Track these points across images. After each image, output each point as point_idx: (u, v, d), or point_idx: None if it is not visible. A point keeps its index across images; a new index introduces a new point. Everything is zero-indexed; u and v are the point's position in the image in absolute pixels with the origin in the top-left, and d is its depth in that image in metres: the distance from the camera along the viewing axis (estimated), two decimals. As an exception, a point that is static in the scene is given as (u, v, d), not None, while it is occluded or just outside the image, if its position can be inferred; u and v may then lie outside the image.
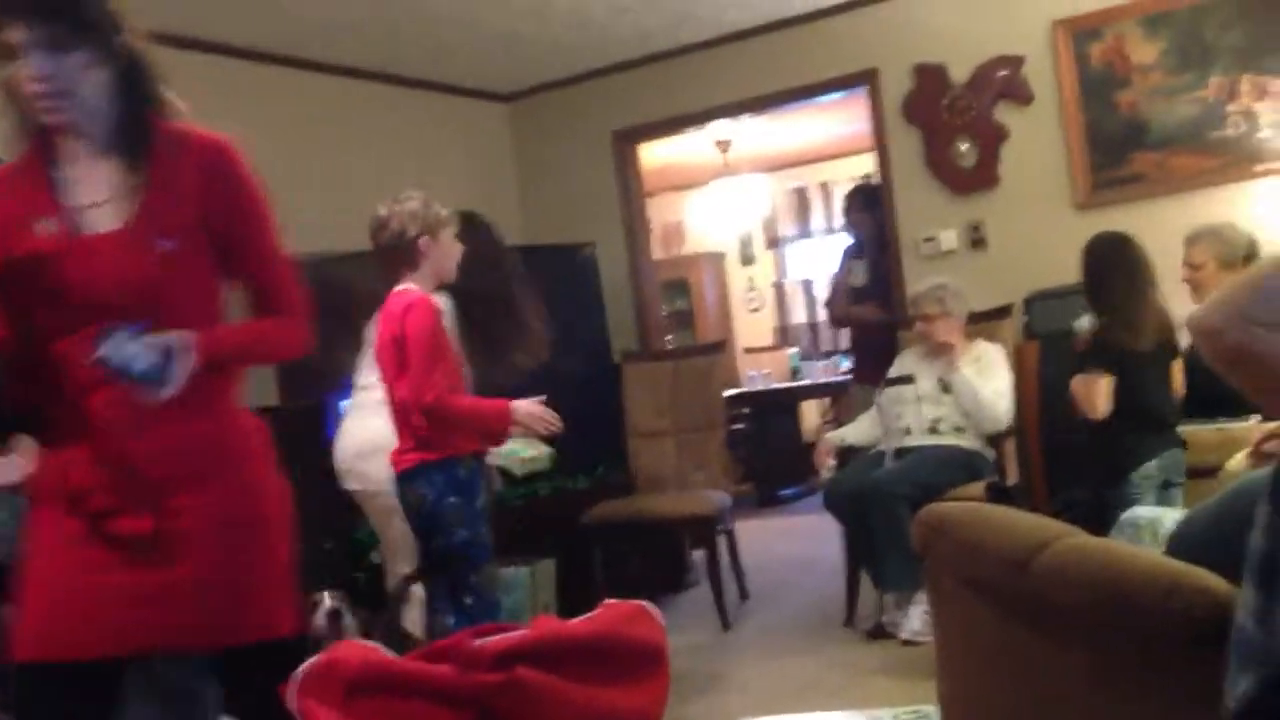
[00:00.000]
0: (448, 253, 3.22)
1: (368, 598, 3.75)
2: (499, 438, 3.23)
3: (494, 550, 3.19)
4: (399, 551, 3.52)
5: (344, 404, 3.84)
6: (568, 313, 5.59)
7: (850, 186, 6.39)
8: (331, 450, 3.68)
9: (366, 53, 5.31)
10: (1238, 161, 4.78)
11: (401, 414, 3.09)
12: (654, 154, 7.17)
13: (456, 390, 3.13)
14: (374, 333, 3.24)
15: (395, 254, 3.14)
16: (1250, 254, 3.86)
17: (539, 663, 1.93)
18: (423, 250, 3.13)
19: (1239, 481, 2.03)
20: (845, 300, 5.72)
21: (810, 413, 8.80)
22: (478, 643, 1.97)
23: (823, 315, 9.60)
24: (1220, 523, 1.84)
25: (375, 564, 3.95)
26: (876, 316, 5.48)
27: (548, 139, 6.31)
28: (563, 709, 1.98)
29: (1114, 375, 3.70)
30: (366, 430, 3.49)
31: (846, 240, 6.05)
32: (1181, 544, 1.86)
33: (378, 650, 1.98)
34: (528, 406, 3.11)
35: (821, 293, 9.61)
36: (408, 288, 3.13)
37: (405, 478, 3.13)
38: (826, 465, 4.52)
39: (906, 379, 4.45)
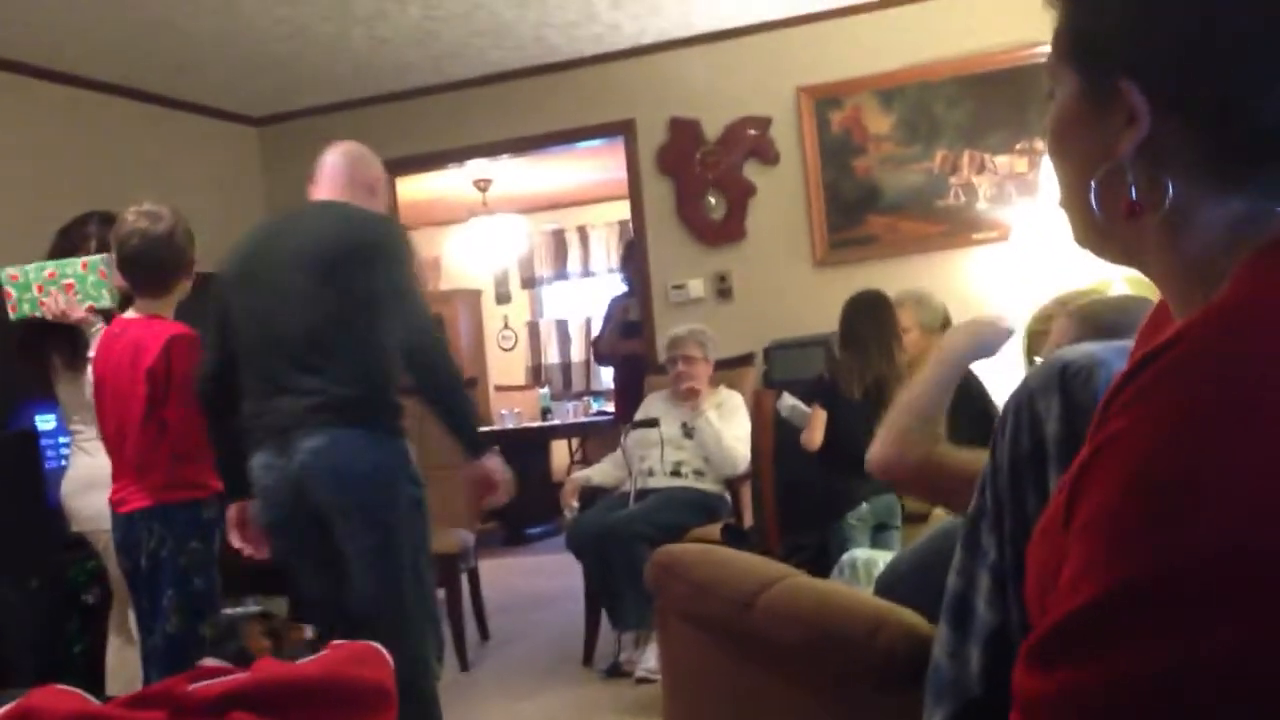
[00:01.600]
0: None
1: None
2: None
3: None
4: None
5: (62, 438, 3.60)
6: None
7: (612, 233, 6.59)
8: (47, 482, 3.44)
9: (106, 64, 5.02)
10: (958, 229, 5.17)
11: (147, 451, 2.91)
12: (413, 188, 7.09)
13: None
14: (94, 361, 3.04)
15: (154, 274, 2.94)
16: (945, 322, 4.16)
17: (259, 708, 1.85)
18: (185, 275, 2.99)
19: (942, 524, 2.19)
20: (616, 335, 6.31)
21: (560, 452, 8.85)
22: (192, 687, 1.87)
23: (576, 356, 9.72)
24: (924, 564, 1.97)
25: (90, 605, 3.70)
26: (642, 349, 5.74)
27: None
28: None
29: (827, 413, 3.94)
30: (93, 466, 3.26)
31: (618, 285, 6.34)
32: (889, 584, 1.98)
33: (80, 696, 1.85)
34: None
35: (576, 333, 9.73)
36: (155, 316, 2.95)
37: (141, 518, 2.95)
38: (571, 505, 4.57)
39: (652, 422, 4.56)
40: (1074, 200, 0.83)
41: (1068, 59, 0.82)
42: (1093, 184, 0.80)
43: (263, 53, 5.10)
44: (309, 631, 2.48)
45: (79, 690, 1.89)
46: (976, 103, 5.12)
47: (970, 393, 3.74)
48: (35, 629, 3.33)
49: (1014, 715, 0.67)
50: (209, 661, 2.28)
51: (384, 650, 2.14)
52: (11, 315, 3.26)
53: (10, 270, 3.18)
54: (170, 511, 2.90)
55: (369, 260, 2.78)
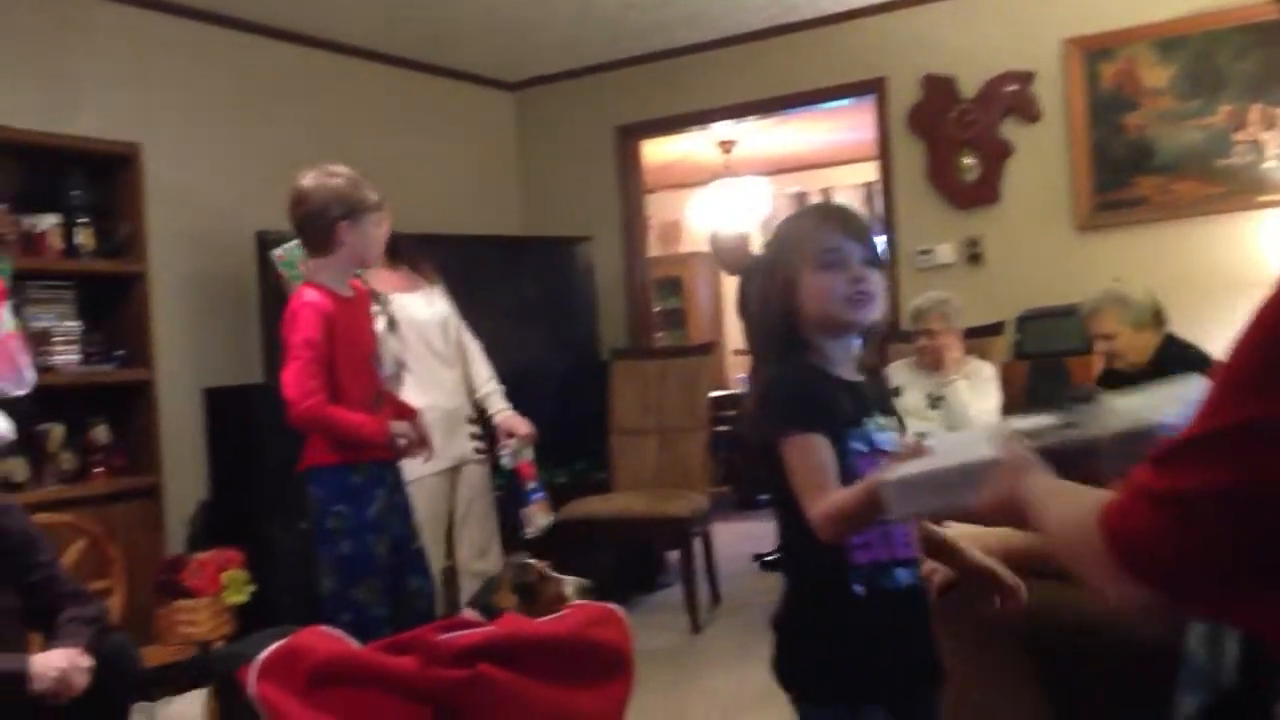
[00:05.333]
0: (369, 239, 2.99)
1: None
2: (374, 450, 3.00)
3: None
4: None
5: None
6: (559, 306, 5.57)
7: (856, 195, 6.38)
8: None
9: (371, 32, 5.26)
10: (1241, 190, 4.75)
11: None
12: (656, 151, 7.12)
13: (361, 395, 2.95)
14: None
15: (311, 234, 2.92)
16: (1158, 310, 3.81)
17: (503, 661, 1.90)
18: (340, 236, 2.92)
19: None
20: None
21: (797, 418, 8.75)
22: (442, 637, 1.93)
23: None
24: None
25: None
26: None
27: (551, 130, 6.26)
28: (523, 708, 1.94)
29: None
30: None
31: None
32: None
33: (341, 639, 1.94)
34: (404, 428, 2.98)
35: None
36: (310, 284, 2.92)
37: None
38: None
39: (894, 391, 4.41)
40: None
41: None
42: None
43: (516, 18, 5.21)
44: (568, 588, 2.44)
45: (340, 633, 2.00)
46: (1267, 52, 4.66)
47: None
48: (302, 571, 3.53)
49: (1124, 494, 0.95)
50: (466, 613, 2.35)
51: (621, 612, 2.15)
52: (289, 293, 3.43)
53: (277, 251, 3.33)
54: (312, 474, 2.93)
55: None
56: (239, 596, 4.08)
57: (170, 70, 4.65)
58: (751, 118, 6.31)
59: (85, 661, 2.46)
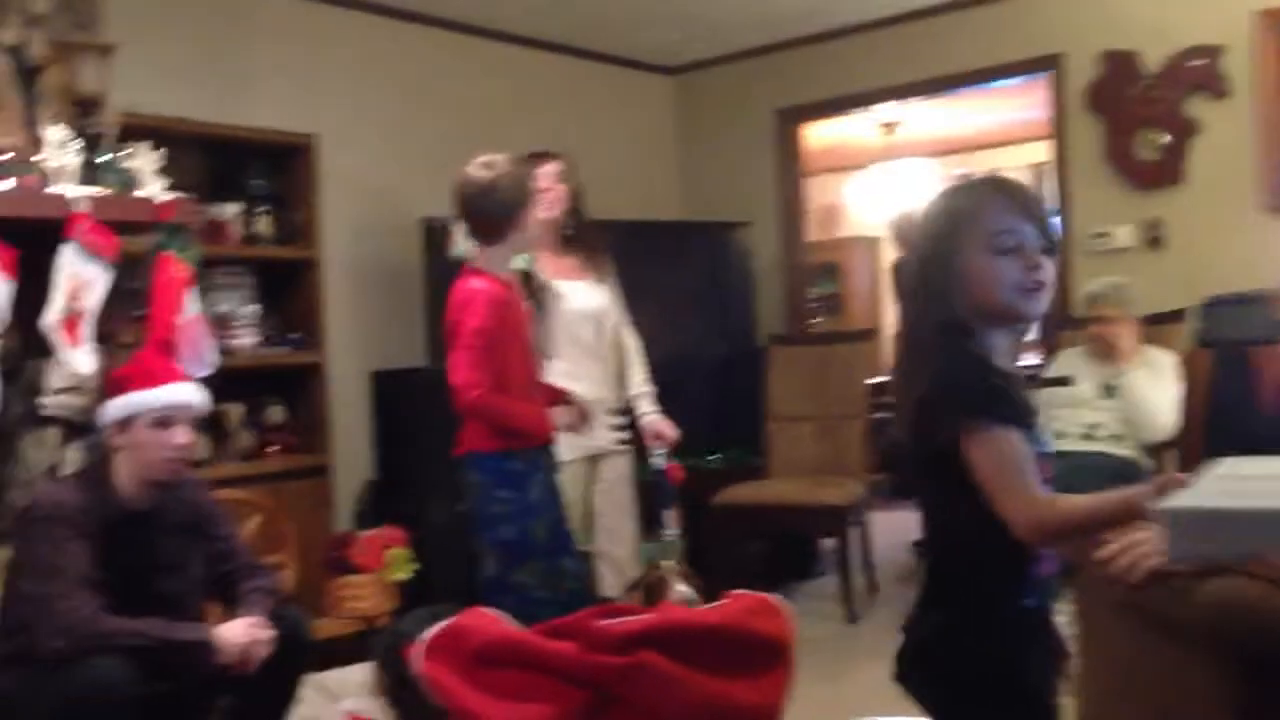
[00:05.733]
0: (534, 225, 3.06)
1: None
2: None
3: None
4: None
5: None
6: (716, 292, 5.55)
7: (1025, 176, 6.14)
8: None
9: (531, 19, 5.32)
10: None
11: None
12: (814, 134, 7.01)
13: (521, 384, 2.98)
14: None
15: (486, 222, 2.95)
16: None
17: (663, 649, 1.89)
18: (514, 224, 2.96)
19: None
20: None
21: (958, 407, 8.51)
22: (603, 623, 1.94)
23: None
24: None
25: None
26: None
27: (710, 115, 6.23)
28: (682, 697, 1.94)
29: None
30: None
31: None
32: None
33: (503, 621, 1.97)
34: (566, 415, 2.99)
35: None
36: (478, 271, 2.94)
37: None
38: None
39: (1065, 380, 4.24)
40: None
41: None
42: None
43: (676, 3, 5.19)
44: (677, 598, 2.40)
45: (502, 615, 2.03)
46: None
47: None
48: (460, 551, 3.60)
49: None
50: (621, 600, 2.35)
51: (780, 603, 2.12)
52: None
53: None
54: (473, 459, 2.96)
55: None
56: (402, 574, 4.21)
57: (342, 62, 4.80)
58: (916, 98, 6.15)
59: (267, 633, 2.56)
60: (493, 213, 2.94)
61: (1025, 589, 1.53)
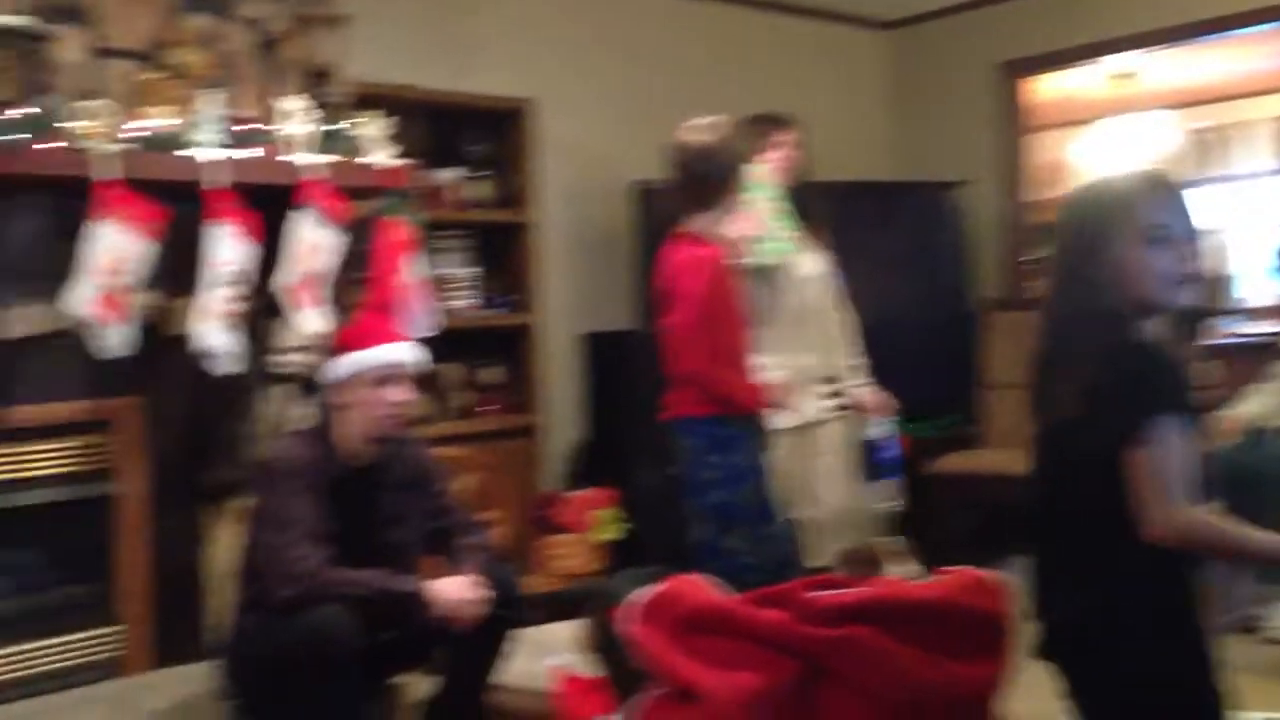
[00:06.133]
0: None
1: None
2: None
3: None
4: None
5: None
6: (928, 254, 5.37)
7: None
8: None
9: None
10: None
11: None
12: (1040, 88, 6.66)
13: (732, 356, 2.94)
14: None
15: (704, 186, 2.92)
16: None
17: (875, 622, 1.84)
18: (733, 188, 2.94)
19: None
20: None
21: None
22: (813, 594, 1.90)
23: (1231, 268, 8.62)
24: None
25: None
26: None
27: (927, 70, 6.01)
28: (895, 673, 1.88)
29: None
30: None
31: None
32: None
33: (712, 587, 1.96)
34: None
35: (1234, 242, 8.63)
36: (694, 235, 2.93)
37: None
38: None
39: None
40: None
41: None
42: None
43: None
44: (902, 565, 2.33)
45: (711, 581, 2.02)
46: None
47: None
48: (668, 514, 3.61)
49: None
50: (834, 572, 2.31)
51: (1000, 580, 2.03)
52: None
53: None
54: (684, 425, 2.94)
55: None
56: (609, 534, 4.27)
57: (559, 27, 4.85)
58: (1152, 47, 5.76)
59: (482, 591, 2.63)
60: (708, 176, 2.91)
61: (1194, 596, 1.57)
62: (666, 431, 2.98)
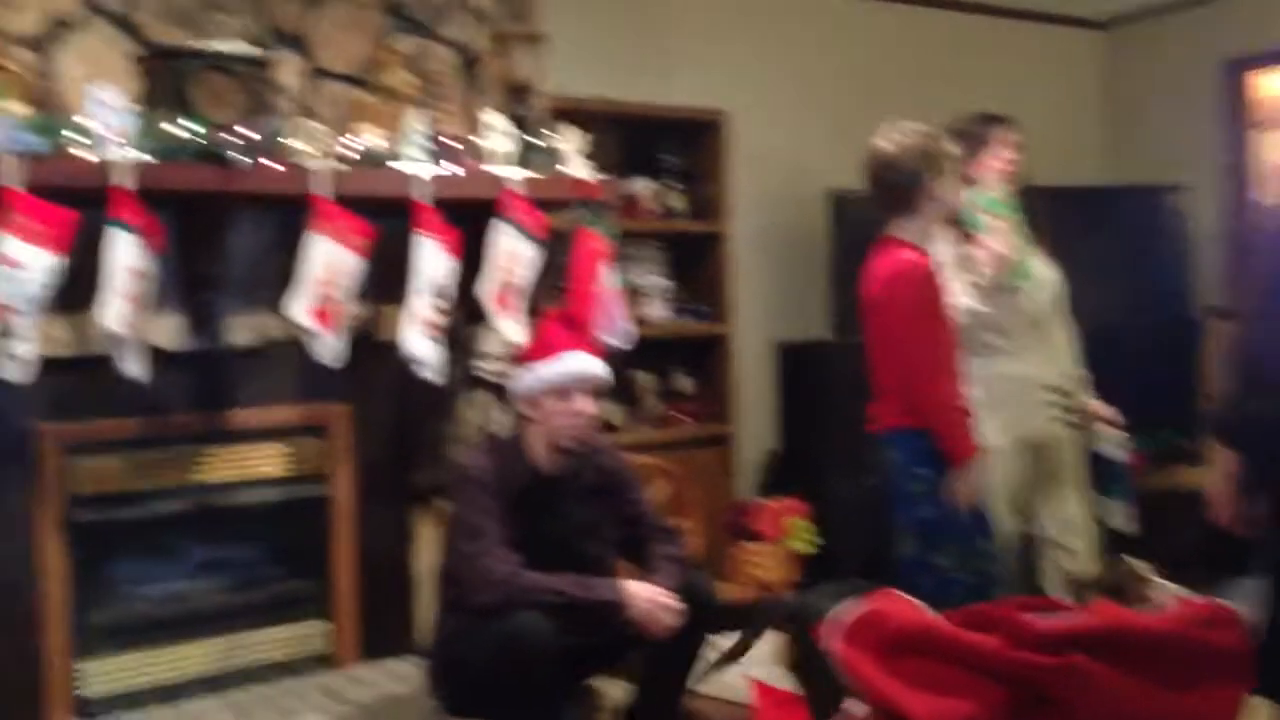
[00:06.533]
0: (952, 194, 2.92)
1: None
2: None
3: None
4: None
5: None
6: (1145, 260, 5.10)
7: None
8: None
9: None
10: None
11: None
12: (1266, 84, 6.24)
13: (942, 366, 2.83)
14: None
15: (894, 194, 2.86)
16: None
17: (1100, 652, 1.73)
18: (928, 192, 2.84)
19: None
20: None
21: None
22: (1030, 618, 1.80)
23: None
24: None
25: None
26: None
27: (1144, 69, 5.70)
28: (1117, 705, 1.77)
29: None
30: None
31: None
32: None
33: (920, 607, 1.89)
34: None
35: None
36: (902, 243, 2.86)
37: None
38: None
39: None
40: None
41: None
42: None
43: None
44: (1163, 596, 2.17)
45: (917, 601, 1.94)
46: None
47: None
48: (865, 527, 3.52)
49: None
50: (1052, 595, 2.20)
51: (1236, 613, 1.89)
52: None
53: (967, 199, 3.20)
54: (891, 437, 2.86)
55: None
56: (803, 545, 4.21)
57: (753, 37, 4.82)
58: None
59: (674, 603, 2.62)
60: (897, 183, 2.86)
61: None
62: (872, 443, 2.91)
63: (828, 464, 4.45)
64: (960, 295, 3.12)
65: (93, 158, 2.62)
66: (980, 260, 3.15)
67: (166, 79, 2.84)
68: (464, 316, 3.29)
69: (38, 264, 2.52)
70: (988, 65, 5.43)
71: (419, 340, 3.08)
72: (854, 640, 1.86)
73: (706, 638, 2.75)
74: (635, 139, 4.53)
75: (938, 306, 2.81)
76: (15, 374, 2.55)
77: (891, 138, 2.87)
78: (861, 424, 2.95)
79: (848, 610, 1.88)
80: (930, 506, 2.78)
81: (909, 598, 1.99)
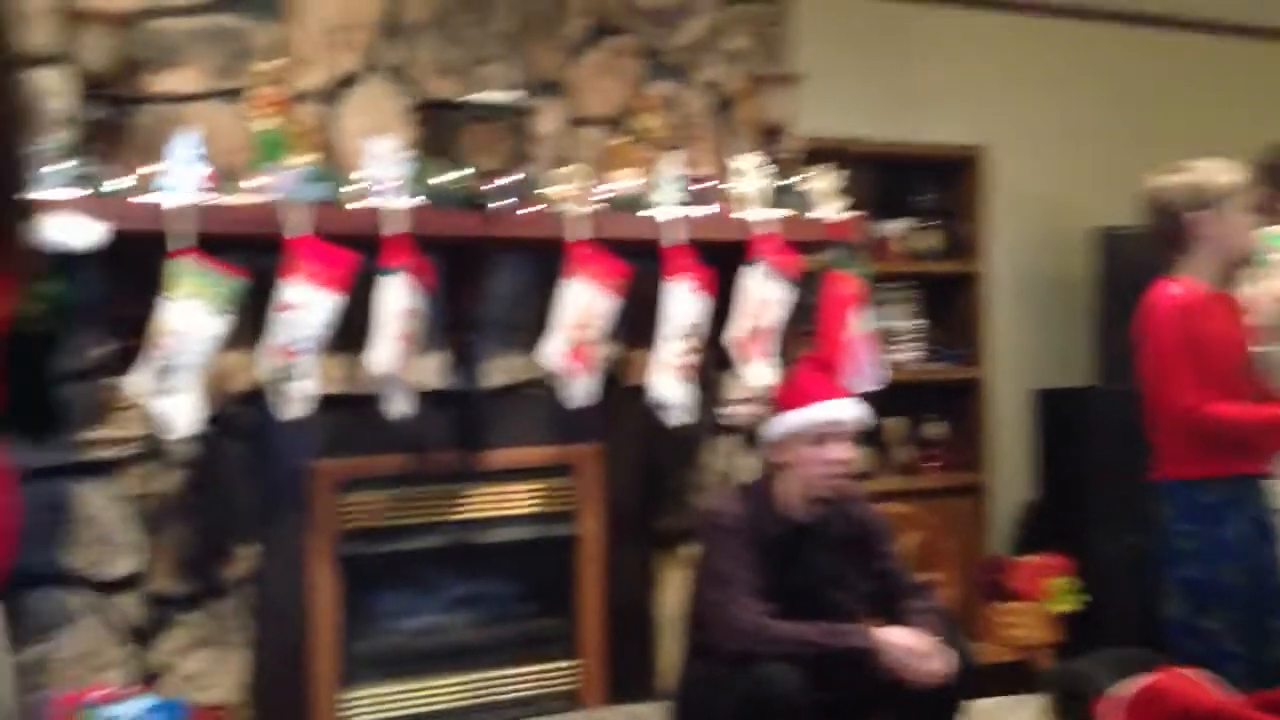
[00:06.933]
0: (1232, 229, 2.70)
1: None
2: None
3: None
4: None
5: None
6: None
7: None
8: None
9: (1229, 4, 4.75)
10: None
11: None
12: None
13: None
14: None
15: (1166, 234, 2.72)
16: None
17: None
18: (1190, 229, 2.67)
19: None
20: None
21: None
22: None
23: None
24: None
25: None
26: None
27: None
28: None
29: None
30: None
31: None
32: None
33: (1205, 686, 1.72)
34: None
35: None
36: (1173, 280, 2.71)
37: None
38: None
39: None
40: None
41: None
42: None
43: None
44: None
45: (1206, 677, 1.77)
46: None
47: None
48: (1133, 587, 3.27)
49: None
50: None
51: None
52: None
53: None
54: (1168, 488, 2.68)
55: None
56: (1066, 606, 3.95)
57: (1012, 72, 4.63)
58: None
59: (936, 649, 2.51)
60: (1163, 221, 2.73)
61: None
62: (1146, 494, 2.73)
63: (1092, 518, 4.19)
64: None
65: (370, 205, 2.77)
66: (1258, 300, 2.92)
67: (437, 129, 2.99)
68: (714, 360, 3.28)
69: (320, 304, 2.68)
70: (1271, 93, 5.03)
71: (668, 385, 3.09)
72: (1134, 717, 1.71)
73: (962, 699, 2.62)
74: (889, 178, 4.44)
75: (1203, 340, 2.63)
76: (295, 411, 2.70)
77: (1163, 173, 2.76)
78: (1129, 475, 2.78)
79: (1129, 685, 1.74)
80: (1195, 566, 2.61)
81: (1195, 674, 1.82)
